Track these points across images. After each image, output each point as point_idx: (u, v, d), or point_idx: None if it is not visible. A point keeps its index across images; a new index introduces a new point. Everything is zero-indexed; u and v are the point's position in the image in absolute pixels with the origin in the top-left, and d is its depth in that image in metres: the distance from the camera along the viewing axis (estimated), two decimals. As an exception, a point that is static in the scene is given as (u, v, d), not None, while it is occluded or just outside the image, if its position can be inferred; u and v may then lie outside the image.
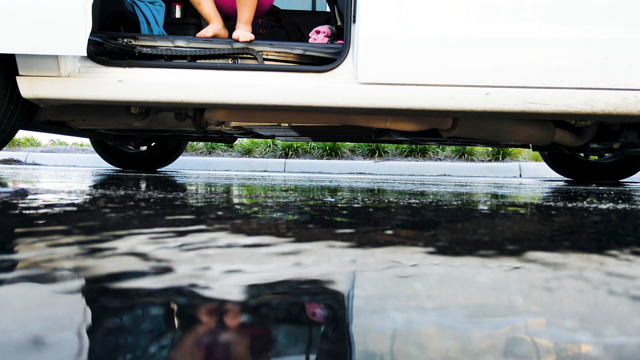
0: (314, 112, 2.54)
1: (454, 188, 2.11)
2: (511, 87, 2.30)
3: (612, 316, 0.38)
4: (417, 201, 1.28)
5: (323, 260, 0.54)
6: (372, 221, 0.87)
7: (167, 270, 0.47)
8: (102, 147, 4.34)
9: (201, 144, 7.34)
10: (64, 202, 1.05)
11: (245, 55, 2.46)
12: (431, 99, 2.34)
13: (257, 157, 6.97)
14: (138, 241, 0.61)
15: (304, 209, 1.03)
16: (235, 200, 1.26)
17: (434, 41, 2.30)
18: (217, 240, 0.64)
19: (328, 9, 3.37)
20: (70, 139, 8.28)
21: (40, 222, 0.75)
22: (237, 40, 2.45)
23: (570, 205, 1.29)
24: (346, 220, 0.86)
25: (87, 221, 0.77)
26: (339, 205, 1.13)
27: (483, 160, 6.94)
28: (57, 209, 0.90)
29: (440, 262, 0.54)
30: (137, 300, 0.38)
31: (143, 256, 0.53)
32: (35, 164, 6.41)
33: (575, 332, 0.34)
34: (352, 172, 5.97)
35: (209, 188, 1.78)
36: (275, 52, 2.49)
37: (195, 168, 6.18)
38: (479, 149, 7.04)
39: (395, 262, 0.54)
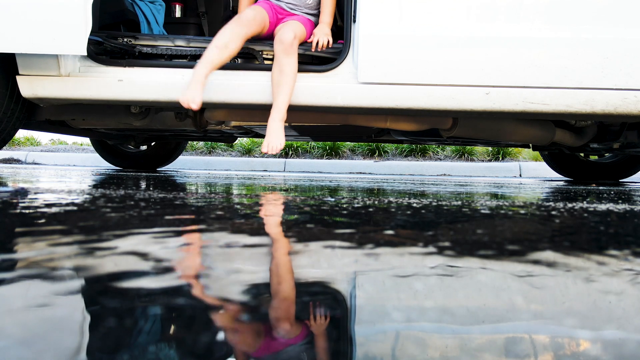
0: (314, 111, 2.54)
1: (454, 188, 2.11)
2: (511, 87, 2.30)
3: (612, 315, 0.38)
4: (417, 201, 1.28)
5: (323, 260, 0.54)
6: (372, 221, 0.87)
7: (167, 270, 0.47)
8: (102, 147, 4.33)
9: (201, 143, 7.34)
10: (64, 201, 1.05)
11: (245, 55, 2.45)
12: (431, 98, 2.33)
13: (257, 157, 6.97)
14: (138, 241, 0.61)
15: (304, 209, 1.03)
16: (236, 200, 1.26)
17: (434, 41, 2.30)
18: (217, 240, 0.64)
19: (328, 9, 3.36)
20: (70, 139, 8.28)
21: (40, 221, 0.75)
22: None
23: (570, 205, 1.29)
24: (346, 221, 0.86)
25: (87, 221, 0.77)
26: (339, 205, 1.13)
27: (483, 160, 6.94)
28: (57, 209, 0.90)
29: (441, 263, 0.54)
30: (137, 300, 0.38)
31: (143, 256, 0.53)
32: (35, 164, 6.41)
33: (576, 329, 0.34)
34: (352, 171, 5.98)
35: (209, 188, 1.78)
36: (276, 51, 2.48)
37: (196, 167, 6.18)
38: (479, 148, 7.04)
39: (395, 262, 0.54)
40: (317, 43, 2.46)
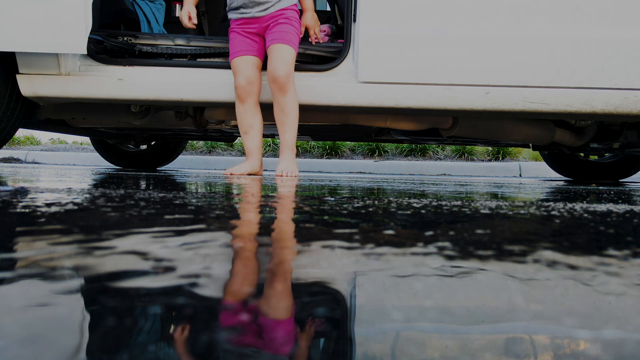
0: (314, 110, 2.54)
1: (454, 188, 2.11)
2: (511, 86, 2.30)
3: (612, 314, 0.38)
4: (417, 201, 1.28)
5: (323, 260, 0.54)
6: (373, 221, 0.87)
7: (167, 269, 0.47)
8: (102, 146, 4.33)
9: (201, 142, 7.34)
10: (64, 201, 1.05)
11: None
12: (431, 98, 2.33)
13: (257, 156, 6.96)
14: (138, 240, 0.61)
15: (304, 209, 1.03)
16: (235, 200, 1.26)
17: (434, 40, 2.29)
18: (217, 240, 0.64)
19: (328, 8, 3.36)
20: (70, 138, 8.28)
21: (40, 220, 0.75)
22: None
23: (570, 205, 1.29)
24: (346, 220, 0.86)
25: (87, 220, 0.77)
26: (339, 204, 1.13)
27: (483, 160, 6.94)
28: (56, 208, 0.90)
29: (441, 263, 0.54)
30: (137, 299, 0.38)
31: (143, 255, 0.53)
32: (35, 163, 6.41)
33: (576, 329, 0.34)
34: (352, 171, 5.98)
35: (208, 187, 1.78)
36: (276, 51, 2.48)
37: (195, 167, 6.18)
38: (479, 148, 7.03)
39: (395, 262, 0.54)
40: (316, 36, 2.43)
